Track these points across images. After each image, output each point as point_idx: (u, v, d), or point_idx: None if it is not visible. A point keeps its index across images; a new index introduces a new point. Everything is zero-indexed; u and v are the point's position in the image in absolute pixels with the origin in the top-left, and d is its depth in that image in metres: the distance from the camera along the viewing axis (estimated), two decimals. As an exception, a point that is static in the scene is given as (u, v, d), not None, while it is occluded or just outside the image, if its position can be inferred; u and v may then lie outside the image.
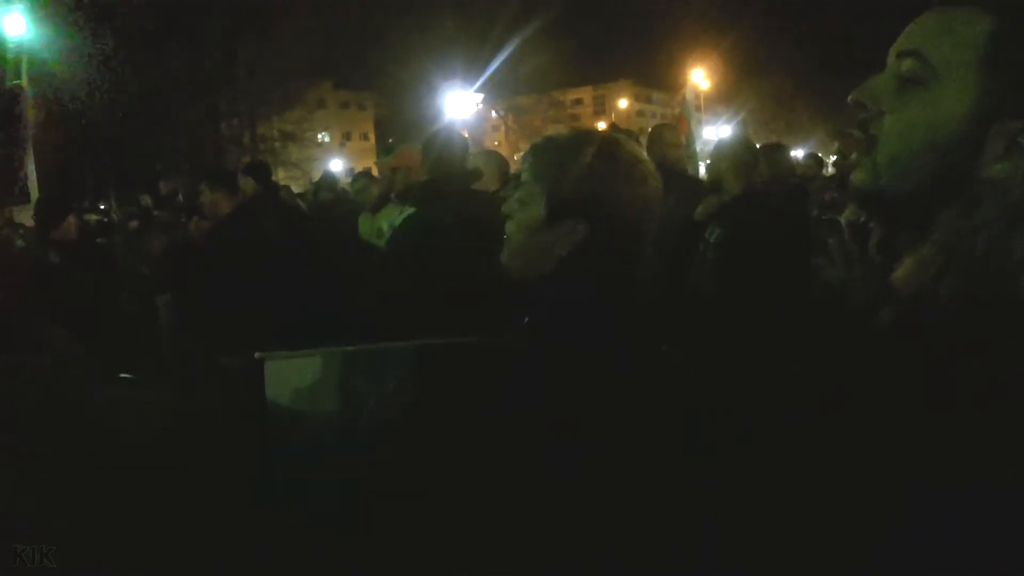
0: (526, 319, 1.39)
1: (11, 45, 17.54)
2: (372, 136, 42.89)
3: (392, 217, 4.06)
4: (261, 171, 4.96)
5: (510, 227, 1.47)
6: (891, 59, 0.96)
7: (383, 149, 28.66)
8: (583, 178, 1.42)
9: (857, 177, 0.97)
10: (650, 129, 5.99)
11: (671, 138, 5.18)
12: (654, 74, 50.30)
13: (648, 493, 1.32)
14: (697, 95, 31.97)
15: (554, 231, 1.41)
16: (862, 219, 1.17)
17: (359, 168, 17.25)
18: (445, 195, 3.22)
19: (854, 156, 1.01)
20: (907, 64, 0.92)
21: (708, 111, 32.75)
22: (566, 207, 1.41)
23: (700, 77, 35.94)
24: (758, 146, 4.50)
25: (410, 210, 3.91)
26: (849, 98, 0.98)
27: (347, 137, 43.22)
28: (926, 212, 0.93)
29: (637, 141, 5.56)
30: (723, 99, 36.14)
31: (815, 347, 1.14)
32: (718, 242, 4.05)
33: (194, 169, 21.95)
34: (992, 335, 0.85)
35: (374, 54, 31.96)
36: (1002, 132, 0.87)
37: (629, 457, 1.33)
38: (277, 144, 29.47)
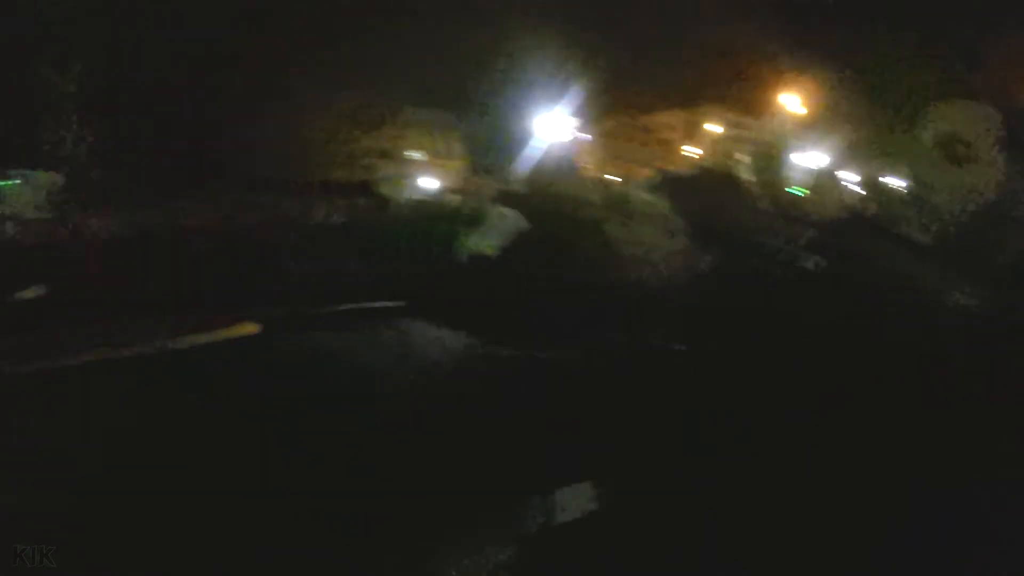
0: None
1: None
2: (462, 156, 43.57)
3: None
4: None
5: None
6: None
7: (472, 169, 29.30)
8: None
9: None
10: (737, 154, 6.30)
11: (763, 163, 5.53)
12: (747, 99, 49.68)
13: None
14: (790, 121, 31.58)
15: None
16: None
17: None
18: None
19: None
20: None
21: (801, 137, 32.22)
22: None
23: (795, 103, 35.43)
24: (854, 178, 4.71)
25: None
26: None
27: (437, 156, 43.97)
28: None
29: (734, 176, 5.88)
30: (817, 126, 35.50)
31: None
32: (814, 267, 4.23)
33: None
34: None
35: (466, 74, 32.67)
36: None
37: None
38: (373, 161, 30.31)
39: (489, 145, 34.14)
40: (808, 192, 7.57)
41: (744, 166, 29.17)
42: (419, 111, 42.17)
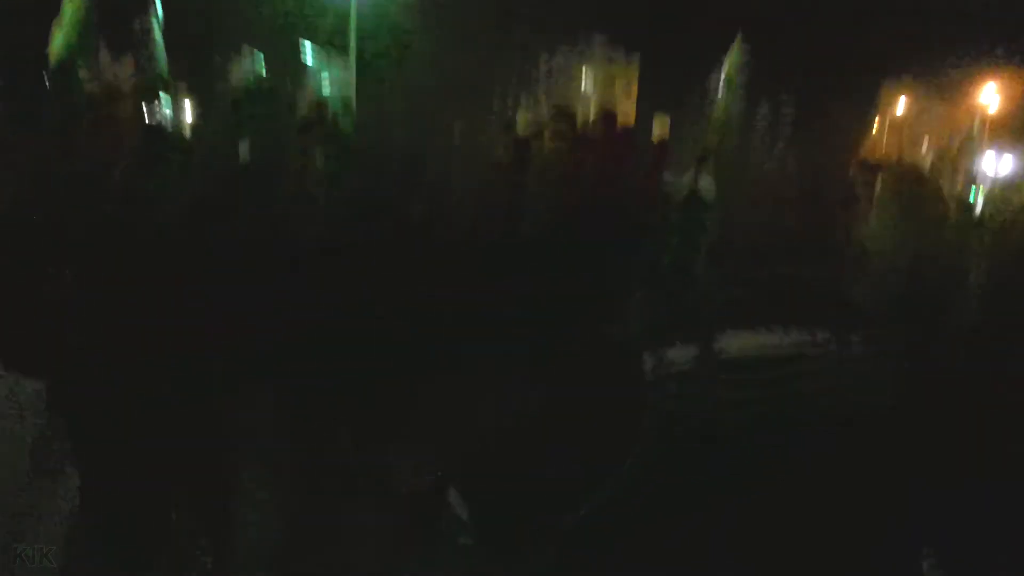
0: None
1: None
2: (634, 88, 43.04)
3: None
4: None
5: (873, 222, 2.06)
6: None
7: (643, 102, 29.16)
8: None
9: None
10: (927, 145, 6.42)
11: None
12: (940, 77, 46.39)
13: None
14: (984, 117, 29.59)
15: None
16: None
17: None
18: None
19: None
20: None
21: (994, 136, 29.88)
22: None
23: (991, 92, 32.83)
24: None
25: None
26: None
27: (611, 84, 43.53)
28: None
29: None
30: (1015, 125, 32.70)
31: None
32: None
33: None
34: None
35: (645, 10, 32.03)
36: None
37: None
38: (544, 83, 30.54)
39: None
40: (987, 196, 7.52)
41: (924, 152, 27.63)
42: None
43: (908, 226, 2.23)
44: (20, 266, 2.13)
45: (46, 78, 2.18)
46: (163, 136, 2.54)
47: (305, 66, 5.18)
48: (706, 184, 4.58)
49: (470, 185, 5.43)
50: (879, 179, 2.32)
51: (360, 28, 22.59)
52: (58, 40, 2.20)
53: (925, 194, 2.38)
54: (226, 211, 2.61)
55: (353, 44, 20.60)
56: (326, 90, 5.65)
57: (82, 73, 2.21)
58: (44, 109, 2.24)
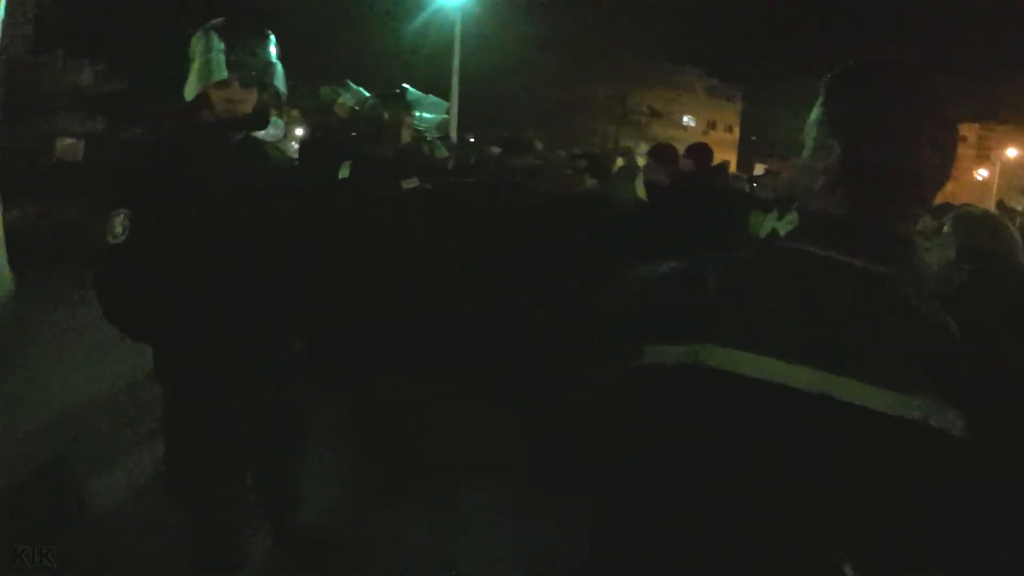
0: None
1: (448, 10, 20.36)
2: (736, 130, 42.40)
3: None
4: (703, 154, 5.90)
5: (931, 256, 2.16)
6: None
7: (745, 145, 28.87)
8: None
9: None
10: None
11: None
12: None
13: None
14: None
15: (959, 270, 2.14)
16: None
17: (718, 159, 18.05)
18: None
19: None
20: None
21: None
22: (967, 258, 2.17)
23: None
24: None
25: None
26: None
27: (711, 126, 43.12)
28: None
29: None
30: None
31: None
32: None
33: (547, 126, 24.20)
34: None
35: (749, 47, 31.85)
36: None
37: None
38: (644, 119, 30.50)
39: (764, 122, 32.95)
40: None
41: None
42: (700, 78, 41.30)
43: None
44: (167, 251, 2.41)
45: (183, 108, 2.51)
46: (271, 152, 2.84)
47: (408, 100, 5.48)
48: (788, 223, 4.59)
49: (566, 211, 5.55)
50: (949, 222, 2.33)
51: (463, 67, 23.41)
52: (192, 76, 2.53)
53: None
54: (323, 215, 2.88)
55: (456, 81, 21.33)
56: (426, 122, 5.94)
57: (215, 97, 2.52)
58: (184, 135, 2.57)
